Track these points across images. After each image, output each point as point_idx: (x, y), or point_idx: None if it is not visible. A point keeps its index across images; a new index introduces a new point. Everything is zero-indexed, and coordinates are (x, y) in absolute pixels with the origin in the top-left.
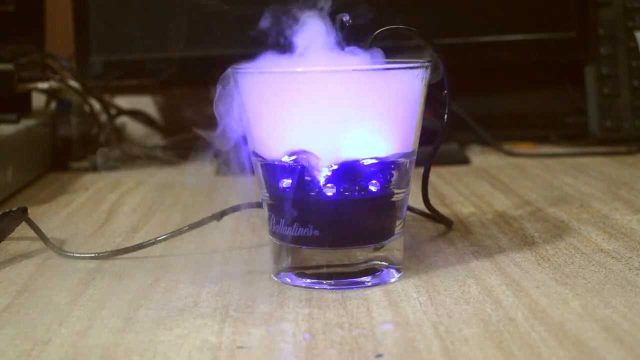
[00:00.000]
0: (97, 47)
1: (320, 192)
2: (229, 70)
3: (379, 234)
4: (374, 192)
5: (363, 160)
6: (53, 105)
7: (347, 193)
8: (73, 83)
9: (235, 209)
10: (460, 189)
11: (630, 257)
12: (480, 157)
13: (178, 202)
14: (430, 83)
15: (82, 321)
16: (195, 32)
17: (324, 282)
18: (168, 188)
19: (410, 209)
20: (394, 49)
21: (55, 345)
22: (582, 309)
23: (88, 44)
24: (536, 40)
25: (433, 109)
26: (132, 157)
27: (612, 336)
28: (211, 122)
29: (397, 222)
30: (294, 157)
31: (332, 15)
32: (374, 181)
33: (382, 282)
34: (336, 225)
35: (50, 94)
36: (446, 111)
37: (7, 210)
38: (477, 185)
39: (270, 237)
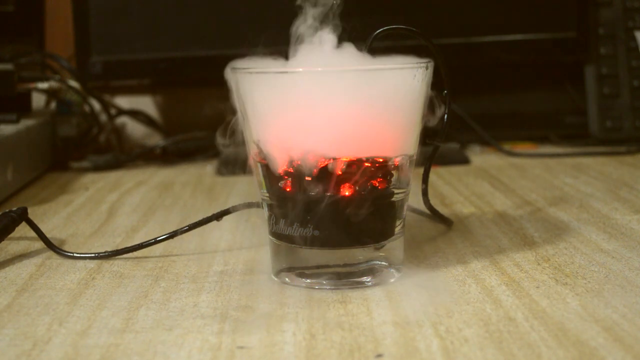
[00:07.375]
0: (97, 47)
1: (320, 192)
2: (229, 70)
3: (379, 234)
4: (374, 192)
5: (363, 160)
6: (53, 105)
7: (347, 193)
8: (73, 83)
9: (235, 209)
10: (460, 189)
11: (630, 257)
12: (480, 157)
13: (178, 202)
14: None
15: (82, 321)
16: (195, 32)
17: (324, 282)
18: (168, 188)
19: (410, 209)
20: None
21: (55, 345)
22: (582, 309)
23: (88, 44)
24: (536, 40)
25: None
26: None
27: (612, 336)
28: (210, 122)
29: (397, 222)
30: (293, 157)
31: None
32: (374, 181)
33: (382, 282)
34: (336, 225)
35: (50, 94)
36: (446, 111)
37: (7, 210)
38: (477, 185)
39: (270, 237)
